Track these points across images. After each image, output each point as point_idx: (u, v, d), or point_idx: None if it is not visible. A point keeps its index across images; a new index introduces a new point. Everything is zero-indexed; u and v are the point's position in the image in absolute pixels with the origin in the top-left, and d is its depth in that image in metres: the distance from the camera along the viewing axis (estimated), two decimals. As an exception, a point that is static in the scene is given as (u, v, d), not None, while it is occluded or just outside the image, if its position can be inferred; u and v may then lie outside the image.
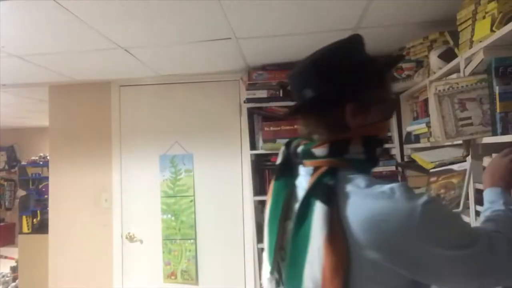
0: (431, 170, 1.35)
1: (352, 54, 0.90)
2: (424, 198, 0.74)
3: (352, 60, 0.87)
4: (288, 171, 0.94)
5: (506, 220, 0.87)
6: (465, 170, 1.16)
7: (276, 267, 0.91)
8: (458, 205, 1.13)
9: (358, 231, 0.73)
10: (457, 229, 0.78)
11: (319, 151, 0.85)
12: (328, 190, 0.78)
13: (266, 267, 0.96)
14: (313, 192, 0.80)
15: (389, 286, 0.78)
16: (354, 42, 0.91)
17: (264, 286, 0.98)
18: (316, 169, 0.84)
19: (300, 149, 0.90)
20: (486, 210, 0.94)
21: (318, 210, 0.77)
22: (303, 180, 0.88)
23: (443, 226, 0.75)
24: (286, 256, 0.85)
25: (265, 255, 0.98)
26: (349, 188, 0.78)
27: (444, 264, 0.74)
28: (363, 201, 0.75)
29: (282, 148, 0.97)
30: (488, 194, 0.98)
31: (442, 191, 1.17)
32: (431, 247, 0.73)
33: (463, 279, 0.77)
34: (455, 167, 1.25)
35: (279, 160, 0.97)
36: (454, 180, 1.15)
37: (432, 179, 1.25)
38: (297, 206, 0.84)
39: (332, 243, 0.74)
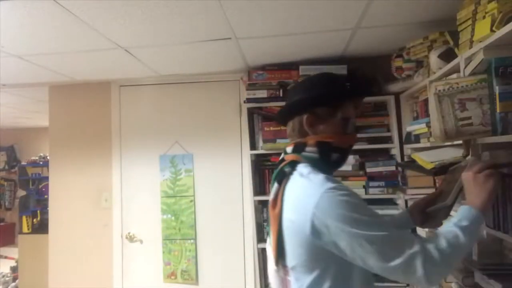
0: (450, 168, 1.36)
1: (318, 82, 1.20)
2: (333, 184, 1.01)
3: (314, 86, 1.19)
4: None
5: (449, 238, 0.98)
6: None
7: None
8: (445, 199, 1.16)
9: (288, 204, 1.08)
10: (360, 211, 0.98)
11: (288, 149, 1.19)
12: (282, 175, 1.14)
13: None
14: (276, 176, 1.17)
15: (319, 262, 1.04)
16: (329, 76, 1.21)
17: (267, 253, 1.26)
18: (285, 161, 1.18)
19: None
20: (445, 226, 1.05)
21: (274, 187, 1.15)
22: None
23: (343, 206, 0.98)
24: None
25: None
26: (295, 174, 1.11)
27: (352, 240, 0.96)
28: (296, 183, 1.09)
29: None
30: (461, 212, 1.05)
31: (445, 186, 1.18)
32: (339, 221, 0.97)
33: (371, 260, 0.96)
34: (463, 162, 1.27)
35: (280, 158, 1.26)
36: (458, 175, 1.16)
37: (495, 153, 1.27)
38: None
39: (272, 208, 1.14)
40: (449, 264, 0.98)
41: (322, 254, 1.03)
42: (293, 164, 1.13)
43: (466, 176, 1.10)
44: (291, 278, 1.10)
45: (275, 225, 1.11)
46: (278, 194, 1.12)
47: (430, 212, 1.27)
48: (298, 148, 1.15)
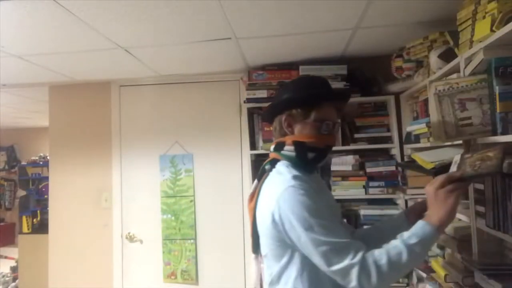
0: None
1: (295, 85, 1.29)
2: (296, 182, 1.10)
3: (291, 89, 1.27)
4: None
5: (392, 255, 1.01)
6: (499, 145, 1.14)
7: None
8: (498, 168, 1.07)
9: (261, 198, 1.19)
10: (312, 213, 1.05)
11: (271, 147, 1.30)
12: (263, 171, 1.26)
13: None
14: (258, 173, 1.29)
15: (285, 251, 1.12)
16: (305, 80, 1.32)
17: None
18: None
19: None
20: (398, 238, 1.06)
21: (254, 183, 1.28)
22: None
23: (298, 205, 1.06)
24: None
25: None
26: (274, 172, 1.22)
27: (300, 237, 1.05)
28: (272, 179, 1.19)
29: None
30: (415, 226, 1.06)
31: (478, 162, 1.16)
32: (292, 217, 1.06)
33: (316, 259, 1.05)
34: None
35: None
36: (491, 154, 1.13)
37: (467, 155, 1.24)
38: None
39: (249, 201, 1.25)
40: (384, 281, 1.02)
41: (285, 244, 1.11)
42: (273, 162, 1.25)
43: (428, 191, 1.09)
44: (264, 265, 1.21)
45: (250, 217, 1.24)
46: (256, 189, 1.24)
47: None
48: (278, 147, 1.25)
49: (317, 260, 1.05)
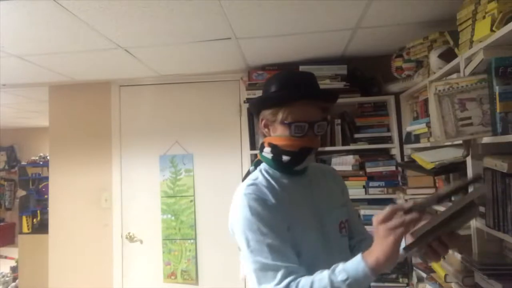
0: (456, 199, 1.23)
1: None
2: (247, 192, 1.08)
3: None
4: None
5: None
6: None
7: None
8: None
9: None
10: (251, 229, 1.04)
11: (258, 149, 1.26)
12: (247, 173, 1.24)
13: None
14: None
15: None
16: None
17: None
18: None
19: None
20: (331, 271, 0.95)
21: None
22: None
23: (241, 217, 1.05)
24: None
25: None
26: (251, 174, 1.19)
27: (241, 248, 1.06)
28: (243, 183, 1.16)
29: None
30: (352, 260, 0.93)
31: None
32: (236, 227, 1.07)
33: (251, 273, 1.04)
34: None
35: None
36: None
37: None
38: None
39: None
40: None
41: None
42: (257, 163, 1.23)
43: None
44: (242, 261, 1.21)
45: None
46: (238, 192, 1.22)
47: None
48: (260, 149, 1.23)
49: (251, 274, 1.03)
